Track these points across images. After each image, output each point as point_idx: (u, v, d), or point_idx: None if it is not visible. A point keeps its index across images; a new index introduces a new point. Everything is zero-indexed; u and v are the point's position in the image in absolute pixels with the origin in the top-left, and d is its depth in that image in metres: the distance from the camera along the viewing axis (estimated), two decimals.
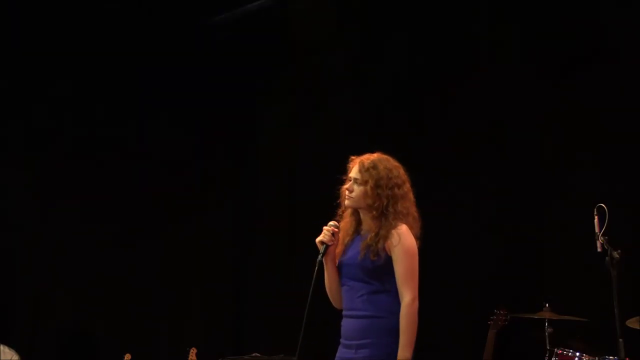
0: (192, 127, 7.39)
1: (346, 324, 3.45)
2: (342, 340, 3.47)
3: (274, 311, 6.97)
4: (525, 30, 5.97)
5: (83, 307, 6.69)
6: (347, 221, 3.53)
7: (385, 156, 3.53)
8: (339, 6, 6.94)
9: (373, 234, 3.38)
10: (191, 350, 6.16)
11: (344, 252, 3.49)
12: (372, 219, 3.42)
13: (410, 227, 3.43)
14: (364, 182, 3.42)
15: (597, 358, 4.67)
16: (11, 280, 6.46)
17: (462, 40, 6.24)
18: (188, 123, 7.36)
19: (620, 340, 3.69)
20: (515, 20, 6.02)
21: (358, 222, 3.51)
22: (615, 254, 3.71)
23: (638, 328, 4.58)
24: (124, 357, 6.05)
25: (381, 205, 3.40)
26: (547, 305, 5.13)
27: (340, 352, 3.46)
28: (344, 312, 3.48)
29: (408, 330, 3.29)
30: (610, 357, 4.59)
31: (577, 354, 4.78)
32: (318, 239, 3.49)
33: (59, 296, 6.61)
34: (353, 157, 3.54)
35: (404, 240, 3.36)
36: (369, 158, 3.50)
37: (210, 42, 7.43)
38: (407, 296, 3.32)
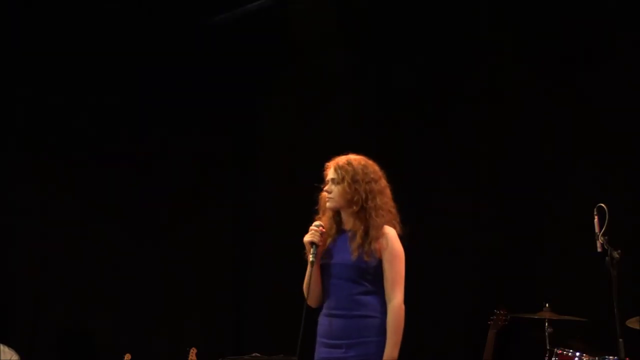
0: (192, 127, 7.38)
1: (332, 323, 3.43)
2: (323, 340, 3.46)
3: (274, 311, 6.97)
4: (525, 30, 5.96)
5: (83, 307, 6.69)
6: (326, 224, 3.55)
7: (359, 155, 3.59)
8: (339, 6, 6.94)
9: (362, 233, 3.41)
10: (191, 350, 6.16)
11: (329, 251, 3.50)
12: (354, 215, 3.46)
13: (392, 225, 3.47)
14: (341, 180, 3.48)
15: (597, 358, 4.67)
16: (11, 280, 6.46)
17: (462, 40, 6.24)
18: (188, 123, 7.36)
19: (620, 340, 3.69)
20: (515, 21, 6.02)
21: (339, 223, 3.54)
22: (615, 254, 3.71)
23: (638, 328, 4.58)
24: (124, 357, 6.05)
25: (360, 199, 3.44)
26: (547, 305, 5.13)
27: (322, 352, 3.46)
28: (327, 311, 3.47)
29: (397, 330, 3.34)
30: (610, 357, 4.59)
31: (577, 354, 4.78)
32: (307, 239, 3.50)
33: (59, 296, 6.61)
34: (327, 164, 3.58)
35: (393, 245, 3.42)
36: (342, 157, 3.57)
37: (210, 42, 7.43)
38: (396, 298, 3.37)
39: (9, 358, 5.61)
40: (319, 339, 3.49)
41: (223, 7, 7.35)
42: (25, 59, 6.59)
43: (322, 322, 3.49)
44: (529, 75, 5.91)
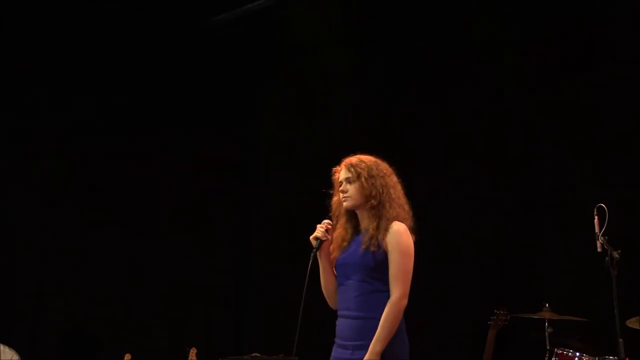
0: (192, 127, 7.37)
1: (342, 324, 3.45)
2: (337, 340, 3.47)
3: (274, 311, 6.97)
4: (525, 30, 5.97)
5: (83, 307, 6.69)
6: (341, 228, 3.55)
7: (366, 154, 3.59)
8: (339, 6, 6.94)
9: (375, 225, 3.40)
10: (191, 350, 6.16)
11: (343, 253, 3.49)
12: (371, 210, 3.44)
13: (404, 219, 3.45)
14: (357, 177, 3.47)
15: (597, 358, 4.67)
16: (11, 280, 6.46)
17: (462, 39, 6.24)
18: (188, 123, 7.35)
19: (620, 340, 3.69)
20: (515, 20, 6.02)
21: (355, 225, 3.53)
22: (615, 254, 3.71)
23: (638, 328, 4.58)
24: (124, 357, 6.05)
25: (378, 193, 3.44)
26: (547, 305, 5.13)
27: (336, 352, 3.46)
28: (339, 312, 3.48)
29: (388, 325, 3.29)
30: (610, 357, 4.59)
31: (577, 354, 4.78)
32: (312, 236, 3.51)
33: (59, 296, 6.61)
34: (336, 168, 3.58)
35: (401, 239, 3.38)
36: (352, 157, 3.56)
37: (210, 42, 7.43)
38: (396, 293, 3.33)
39: (9, 358, 5.60)
40: (335, 339, 3.49)
41: (223, 7, 7.35)
42: (24, 59, 6.57)
43: (337, 322, 3.49)
44: (530, 75, 5.91)
